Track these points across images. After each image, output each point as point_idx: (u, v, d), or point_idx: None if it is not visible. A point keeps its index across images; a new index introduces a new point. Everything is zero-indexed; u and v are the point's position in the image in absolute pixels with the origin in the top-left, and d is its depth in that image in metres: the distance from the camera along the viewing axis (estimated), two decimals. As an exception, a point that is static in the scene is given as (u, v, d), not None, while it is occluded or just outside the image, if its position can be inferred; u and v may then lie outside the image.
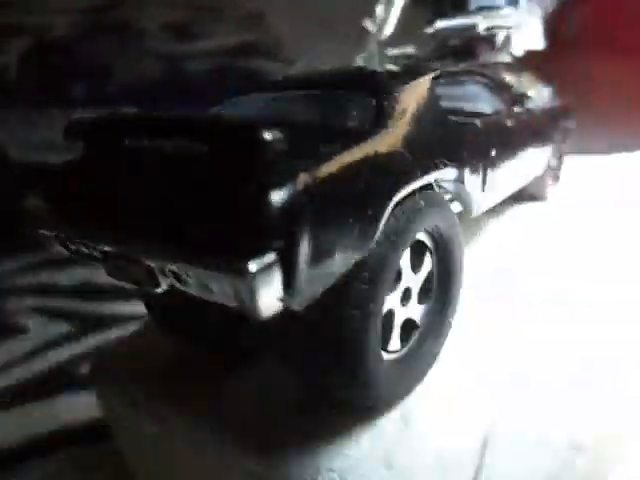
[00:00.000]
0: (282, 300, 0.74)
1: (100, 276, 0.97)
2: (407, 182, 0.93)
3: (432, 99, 1.15)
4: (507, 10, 1.91)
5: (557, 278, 1.45)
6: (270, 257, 0.70)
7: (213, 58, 6.81)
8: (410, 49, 2.01)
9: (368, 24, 2.10)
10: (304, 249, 0.74)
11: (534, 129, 1.62)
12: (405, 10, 2.09)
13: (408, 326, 1.11)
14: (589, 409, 1.04)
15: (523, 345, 1.23)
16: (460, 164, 1.15)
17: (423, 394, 1.12)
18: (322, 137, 0.93)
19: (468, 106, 1.47)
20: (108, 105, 4.06)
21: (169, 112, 1.01)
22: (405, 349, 1.10)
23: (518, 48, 1.93)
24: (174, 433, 1.19)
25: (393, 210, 0.94)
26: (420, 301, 1.13)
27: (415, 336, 1.12)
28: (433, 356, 1.16)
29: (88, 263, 0.97)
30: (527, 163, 1.56)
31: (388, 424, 1.05)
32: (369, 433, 1.03)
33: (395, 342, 1.06)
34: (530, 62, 2.02)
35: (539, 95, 1.88)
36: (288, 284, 0.73)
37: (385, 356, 1.03)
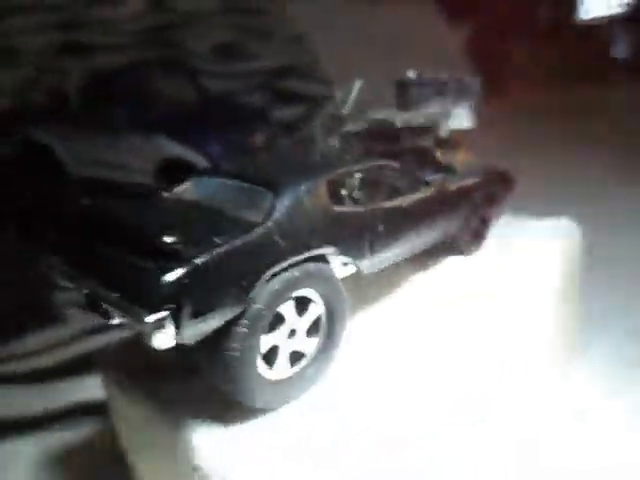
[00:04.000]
0: (175, 338, 1.26)
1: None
2: (275, 263, 1.41)
3: (324, 196, 1.62)
4: (435, 99, 2.32)
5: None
6: (163, 313, 1.22)
7: (257, 78, 7.34)
8: (364, 125, 2.46)
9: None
10: (187, 310, 1.25)
11: (440, 202, 2.05)
12: (361, 93, 2.54)
13: (298, 354, 1.59)
14: None
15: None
16: (339, 244, 1.61)
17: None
18: (221, 226, 1.43)
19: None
20: (152, 128, 4.50)
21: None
22: (294, 371, 1.58)
23: (444, 131, 2.34)
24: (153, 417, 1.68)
25: (271, 279, 1.42)
26: (311, 335, 1.60)
27: (301, 363, 1.60)
28: (315, 379, 1.63)
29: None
30: (427, 231, 1.99)
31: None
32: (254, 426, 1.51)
33: (282, 366, 1.54)
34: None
35: (463, 169, 2.25)
36: (178, 329, 1.25)
37: (272, 375, 1.52)
